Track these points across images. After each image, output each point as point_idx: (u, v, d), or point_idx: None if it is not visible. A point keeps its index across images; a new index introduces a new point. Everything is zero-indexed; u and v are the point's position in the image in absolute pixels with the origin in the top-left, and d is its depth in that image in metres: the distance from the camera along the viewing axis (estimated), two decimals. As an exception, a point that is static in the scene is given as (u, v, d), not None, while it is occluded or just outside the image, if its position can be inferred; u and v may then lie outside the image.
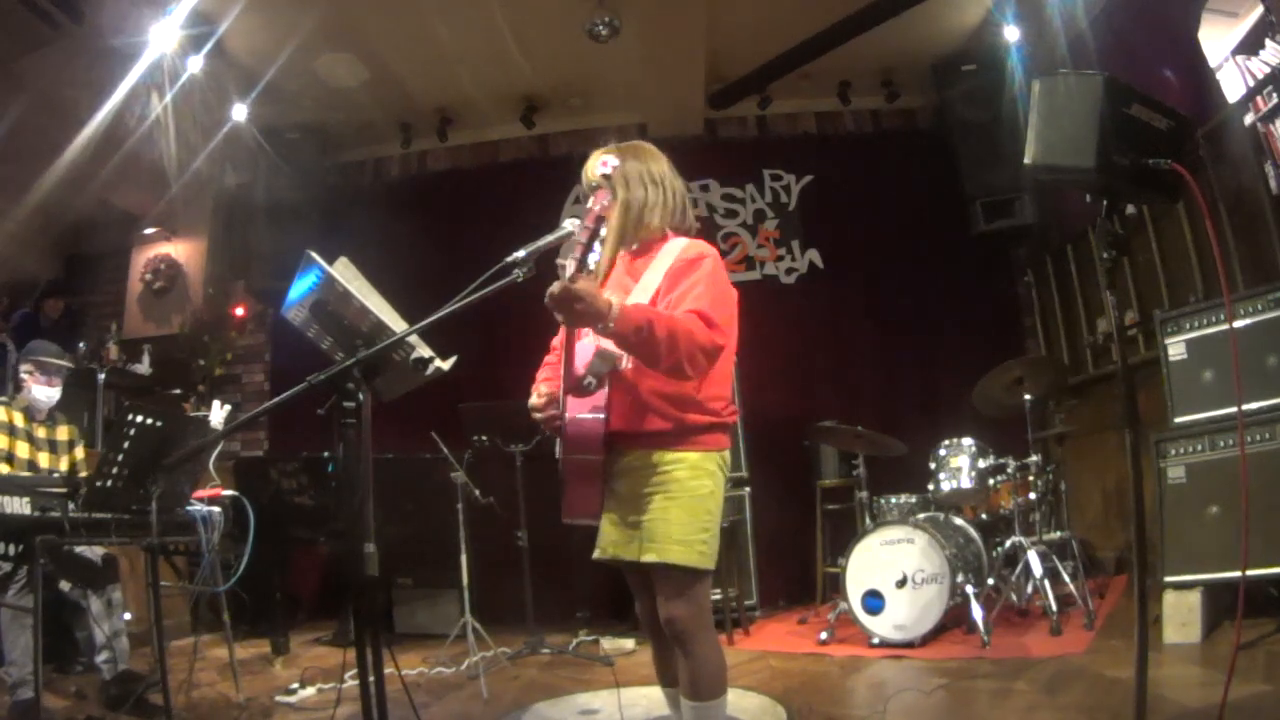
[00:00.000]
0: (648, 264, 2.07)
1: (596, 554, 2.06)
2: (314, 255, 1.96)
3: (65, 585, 3.34)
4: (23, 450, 3.51)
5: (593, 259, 1.82)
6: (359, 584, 1.83)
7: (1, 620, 3.06)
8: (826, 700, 3.14)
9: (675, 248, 2.06)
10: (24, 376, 3.61)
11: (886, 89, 6.02)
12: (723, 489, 2.04)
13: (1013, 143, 4.97)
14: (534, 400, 2.11)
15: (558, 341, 2.27)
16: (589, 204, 2.06)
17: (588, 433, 1.95)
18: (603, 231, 1.89)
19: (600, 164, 2.09)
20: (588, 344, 1.99)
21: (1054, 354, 5.61)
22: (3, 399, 3.66)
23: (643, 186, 2.09)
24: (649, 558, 1.92)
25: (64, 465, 3.65)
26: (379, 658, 1.81)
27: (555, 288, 1.73)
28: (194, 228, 6.59)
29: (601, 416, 1.95)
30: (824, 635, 4.06)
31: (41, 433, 3.62)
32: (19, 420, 3.55)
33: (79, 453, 3.74)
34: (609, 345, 1.91)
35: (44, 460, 3.59)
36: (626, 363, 1.97)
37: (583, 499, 2.03)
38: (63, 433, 3.71)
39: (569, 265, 1.77)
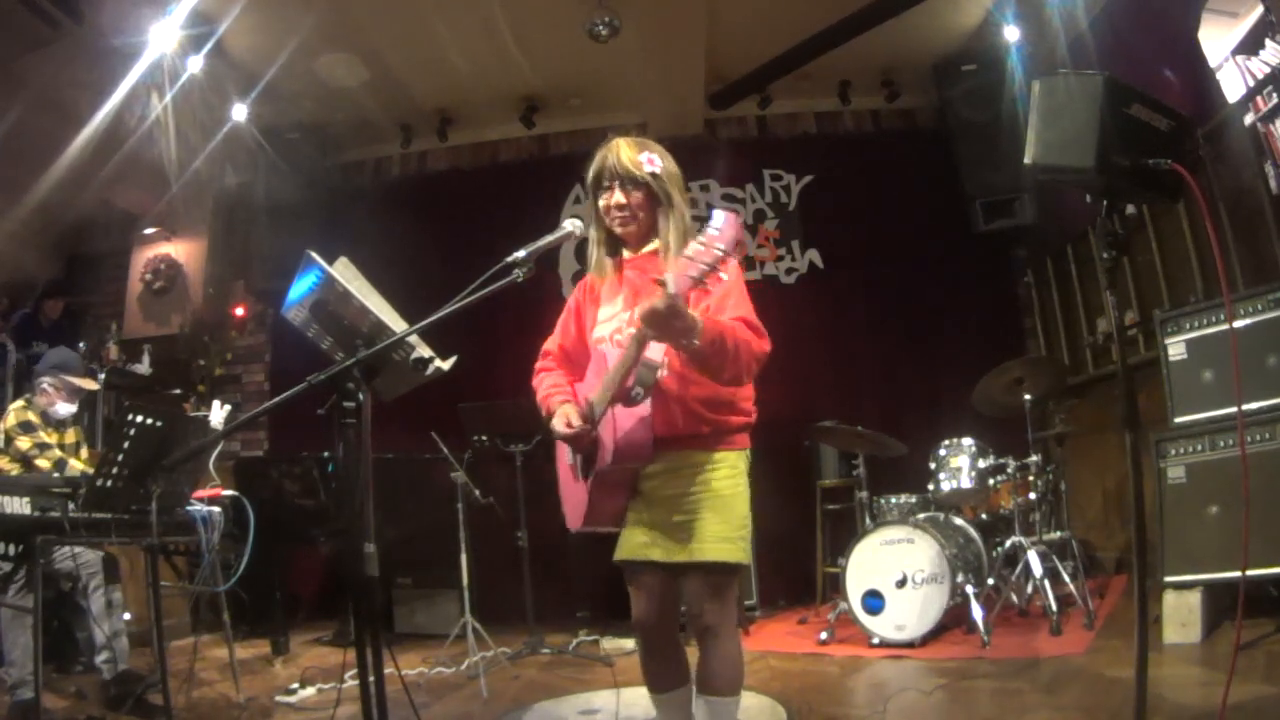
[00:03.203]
0: (641, 275, 2.00)
1: (625, 555, 2.01)
2: (314, 255, 1.95)
3: (65, 585, 3.35)
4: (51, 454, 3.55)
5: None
6: (359, 584, 1.83)
7: (1, 620, 3.07)
8: (826, 700, 3.14)
9: None
10: (48, 389, 3.60)
11: (887, 89, 6.01)
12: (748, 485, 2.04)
13: (1013, 143, 4.95)
14: (562, 429, 1.98)
15: (551, 346, 2.23)
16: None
17: (638, 442, 1.90)
18: (718, 249, 1.57)
19: (646, 160, 1.96)
20: (613, 352, 1.95)
21: (1054, 354, 5.61)
22: (24, 399, 3.66)
23: (680, 193, 2.02)
24: (689, 558, 1.90)
25: (79, 466, 3.65)
26: (379, 658, 1.80)
27: (660, 304, 1.61)
28: (194, 228, 6.59)
29: (649, 423, 1.91)
30: (824, 635, 4.06)
31: (53, 437, 3.64)
32: (36, 421, 3.59)
33: (83, 454, 3.76)
34: (654, 355, 1.88)
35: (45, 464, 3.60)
36: (663, 371, 1.94)
37: (609, 506, 2.01)
38: (70, 435, 3.73)
39: (670, 281, 1.59)
